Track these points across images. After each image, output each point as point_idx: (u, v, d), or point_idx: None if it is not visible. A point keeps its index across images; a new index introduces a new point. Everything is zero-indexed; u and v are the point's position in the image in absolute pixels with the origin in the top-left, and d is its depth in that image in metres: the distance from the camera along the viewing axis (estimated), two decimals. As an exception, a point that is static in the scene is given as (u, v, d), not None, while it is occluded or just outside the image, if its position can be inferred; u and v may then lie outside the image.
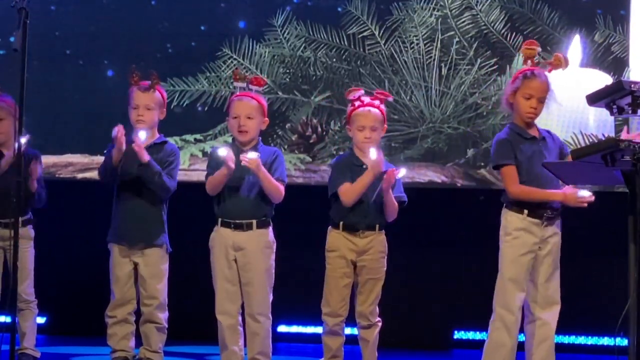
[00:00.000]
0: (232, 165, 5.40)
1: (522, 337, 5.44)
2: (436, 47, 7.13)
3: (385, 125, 5.65)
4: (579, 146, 6.76)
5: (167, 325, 5.77)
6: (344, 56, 7.21)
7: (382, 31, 7.17)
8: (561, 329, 7.13)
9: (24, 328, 5.97)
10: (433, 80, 7.13)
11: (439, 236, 7.19)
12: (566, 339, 7.20)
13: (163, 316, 5.75)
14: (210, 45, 7.28)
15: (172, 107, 7.13)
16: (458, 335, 7.33)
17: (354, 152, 5.62)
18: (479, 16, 7.11)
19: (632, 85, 4.18)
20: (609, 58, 6.98)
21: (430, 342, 7.31)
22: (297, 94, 7.24)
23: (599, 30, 6.99)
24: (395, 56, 7.15)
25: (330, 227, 5.60)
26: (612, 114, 4.36)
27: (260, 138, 5.68)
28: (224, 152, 5.43)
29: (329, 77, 7.17)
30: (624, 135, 4.43)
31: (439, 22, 7.14)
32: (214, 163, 5.57)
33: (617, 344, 4.64)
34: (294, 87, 7.24)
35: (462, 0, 7.13)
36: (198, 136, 7.26)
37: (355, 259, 5.53)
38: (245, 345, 5.59)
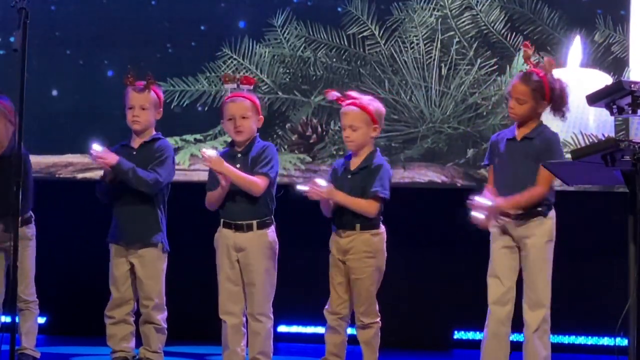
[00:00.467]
0: (210, 166, 5.44)
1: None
2: (436, 47, 7.13)
3: (376, 125, 5.55)
4: (579, 146, 6.76)
5: (166, 326, 5.76)
6: (344, 56, 7.21)
7: (382, 31, 7.17)
8: (561, 329, 7.17)
9: (24, 328, 5.97)
10: (433, 80, 7.13)
11: (439, 236, 7.19)
12: (566, 339, 7.20)
13: (161, 317, 5.74)
14: (210, 45, 7.28)
15: (172, 107, 7.13)
16: (458, 335, 7.33)
17: (346, 154, 5.67)
18: (479, 16, 7.11)
19: (632, 85, 4.18)
20: (609, 58, 6.98)
21: (430, 342, 7.31)
22: (297, 94, 7.24)
23: (599, 30, 6.99)
24: (395, 56, 7.16)
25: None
26: (612, 114, 4.36)
27: (258, 135, 5.67)
28: (205, 150, 5.45)
29: (329, 77, 7.18)
30: None
31: (439, 22, 7.14)
32: (212, 175, 5.57)
33: (617, 344, 4.64)
34: (294, 87, 7.24)
35: (462, 0, 7.13)
36: (198, 136, 7.26)
37: (342, 258, 5.53)
38: (247, 346, 5.59)
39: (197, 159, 7.21)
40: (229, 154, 5.62)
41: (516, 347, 5.43)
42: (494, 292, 5.37)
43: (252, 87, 5.65)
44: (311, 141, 7.22)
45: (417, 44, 7.15)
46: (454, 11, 7.13)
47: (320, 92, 7.19)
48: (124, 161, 5.61)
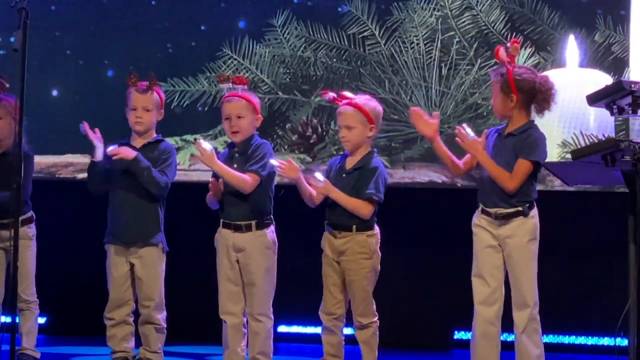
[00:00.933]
0: (201, 160, 5.46)
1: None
2: (436, 47, 7.13)
3: (373, 125, 5.54)
4: (579, 146, 6.76)
5: (165, 326, 5.77)
6: (344, 56, 7.21)
7: (382, 31, 7.17)
8: (561, 329, 7.16)
9: (24, 328, 5.96)
10: (433, 80, 7.13)
11: (439, 236, 7.19)
12: (566, 339, 7.20)
13: (161, 317, 5.74)
14: (210, 45, 7.28)
15: (172, 107, 7.13)
16: (458, 335, 7.32)
17: (341, 154, 5.66)
18: (479, 16, 7.11)
19: (632, 85, 4.18)
20: (609, 58, 6.98)
21: (430, 342, 7.31)
22: (297, 94, 7.24)
23: (599, 30, 6.99)
24: (396, 56, 7.16)
25: None
26: (612, 114, 4.36)
27: (258, 133, 5.66)
28: (202, 141, 5.48)
29: (329, 77, 7.17)
30: None
31: (439, 22, 7.14)
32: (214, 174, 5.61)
33: (617, 344, 4.64)
34: (294, 87, 7.24)
35: (462, 1, 7.13)
36: (198, 136, 7.25)
37: (337, 259, 5.53)
38: (247, 346, 5.59)
39: (197, 159, 7.20)
40: (228, 155, 5.62)
41: (509, 347, 5.42)
42: (480, 292, 5.36)
43: (245, 87, 5.64)
44: (311, 141, 7.22)
45: (417, 44, 7.15)
46: (454, 11, 7.13)
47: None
48: (142, 157, 5.63)
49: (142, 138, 5.80)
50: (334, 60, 7.21)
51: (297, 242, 6.40)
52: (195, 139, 5.56)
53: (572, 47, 6.97)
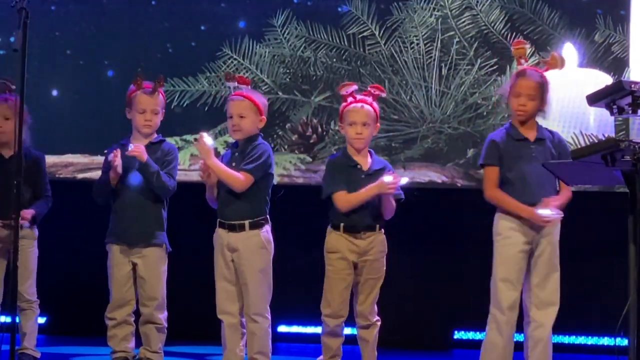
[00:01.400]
0: (199, 154, 5.52)
1: (522, 337, 5.44)
2: (436, 47, 7.13)
3: (378, 124, 5.62)
4: (579, 146, 6.76)
5: (166, 325, 5.77)
6: (344, 56, 7.21)
7: (382, 31, 7.17)
8: (561, 329, 7.15)
9: (25, 328, 5.97)
10: (433, 80, 7.13)
11: (439, 236, 7.19)
12: (566, 339, 7.20)
13: (162, 316, 5.75)
14: (210, 45, 7.28)
15: (172, 107, 7.13)
16: (458, 335, 7.33)
17: (347, 152, 5.61)
18: (479, 16, 7.11)
19: (632, 85, 4.18)
20: (609, 58, 6.98)
21: (430, 342, 7.31)
22: (297, 94, 7.24)
23: (599, 30, 6.99)
24: (396, 56, 7.16)
25: (329, 227, 5.59)
26: (612, 114, 4.36)
27: (262, 135, 5.67)
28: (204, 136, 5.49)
29: (329, 77, 7.17)
30: None
31: (439, 22, 7.14)
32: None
33: (617, 344, 4.64)
34: (294, 87, 7.24)
35: (462, 0, 7.13)
36: (198, 136, 7.25)
37: (356, 260, 5.52)
38: (245, 345, 5.59)
39: (197, 159, 7.20)
40: (231, 154, 5.62)
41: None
42: (508, 297, 5.32)
43: (248, 87, 5.65)
44: (311, 141, 7.22)
45: (417, 44, 7.15)
46: (454, 11, 7.13)
47: (321, 92, 7.19)
48: (151, 162, 5.63)
49: (145, 138, 5.80)
50: (334, 60, 7.21)
51: (297, 242, 6.40)
52: (199, 134, 5.54)
53: (570, 52, 6.97)
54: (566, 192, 5.40)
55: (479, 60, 7.07)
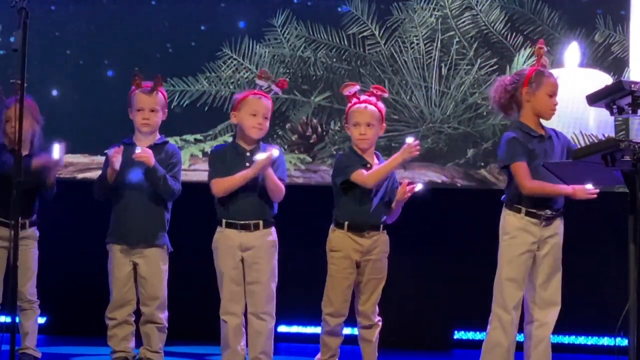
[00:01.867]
0: (259, 167, 5.42)
1: (522, 337, 5.44)
2: (436, 47, 7.13)
3: (384, 125, 5.64)
4: (579, 146, 6.76)
5: (167, 325, 5.77)
6: (344, 56, 7.21)
7: (382, 31, 7.17)
8: (561, 329, 7.14)
9: (25, 328, 5.97)
10: (433, 80, 7.13)
11: (439, 236, 7.19)
12: (566, 339, 7.20)
13: (163, 316, 5.75)
14: (210, 45, 7.28)
15: (172, 107, 7.13)
16: (458, 335, 7.33)
17: (354, 150, 5.61)
18: (479, 16, 7.11)
19: (632, 85, 4.18)
20: (609, 58, 6.98)
21: (430, 342, 7.31)
22: (297, 94, 7.24)
23: (599, 30, 6.99)
24: (395, 56, 7.16)
25: (333, 226, 5.59)
26: (612, 114, 4.36)
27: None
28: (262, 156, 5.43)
29: (329, 77, 7.18)
30: None
31: (439, 22, 7.14)
32: (218, 164, 5.55)
33: (617, 344, 4.64)
34: (294, 87, 7.24)
35: (462, 1, 7.14)
36: (198, 136, 7.26)
37: (359, 259, 5.53)
38: (246, 345, 5.59)
39: (197, 159, 7.21)
40: (237, 152, 5.58)
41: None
42: (513, 296, 5.30)
43: (280, 91, 5.66)
44: (311, 141, 7.22)
45: (417, 44, 7.15)
46: (454, 11, 7.13)
47: (321, 92, 7.20)
48: (158, 166, 5.63)
49: (146, 139, 5.80)
50: (334, 60, 7.21)
51: (297, 242, 6.40)
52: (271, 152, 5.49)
53: (572, 48, 6.97)
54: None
55: (479, 60, 7.07)
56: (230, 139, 6.31)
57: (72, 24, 7.43)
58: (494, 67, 7.07)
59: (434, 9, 7.14)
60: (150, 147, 5.74)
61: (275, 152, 5.43)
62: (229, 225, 5.54)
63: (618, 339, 4.63)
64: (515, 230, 5.33)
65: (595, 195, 5.25)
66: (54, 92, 7.42)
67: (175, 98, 7.22)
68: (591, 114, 6.84)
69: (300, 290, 6.51)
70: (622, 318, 4.28)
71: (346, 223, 5.52)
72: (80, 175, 7.33)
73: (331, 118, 7.17)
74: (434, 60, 7.13)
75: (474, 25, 7.12)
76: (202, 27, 7.34)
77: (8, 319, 4.92)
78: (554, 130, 5.49)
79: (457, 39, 7.12)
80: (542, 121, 5.45)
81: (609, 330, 5.63)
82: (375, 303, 5.56)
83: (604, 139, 6.60)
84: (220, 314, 5.54)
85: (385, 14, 7.17)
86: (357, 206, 5.51)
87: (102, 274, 5.87)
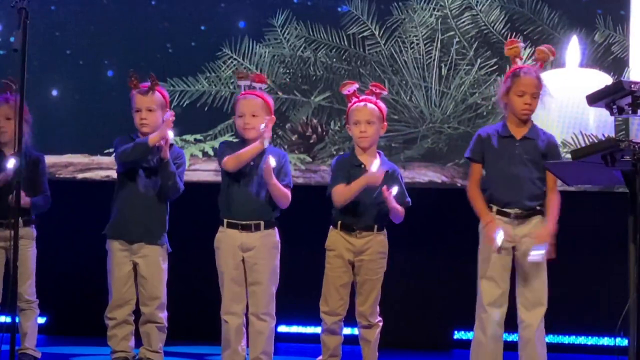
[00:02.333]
0: (264, 172, 5.42)
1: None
2: (436, 47, 7.13)
3: (385, 124, 5.64)
4: (579, 146, 6.76)
5: (167, 325, 5.77)
6: (344, 56, 7.21)
7: (382, 31, 7.17)
8: (561, 329, 7.16)
9: (25, 328, 5.96)
10: (433, 80, 7.13)
11: (439, 236, 7.19)
12: (566, 339, 7.20)
13: (163, 316, 5.75)
14: (210, 45, 7.29)
15: (172, 107, 7.13)
16: (458, 335, 7.33)
17: (354, 152, 5.62)
18: (479, 16, 7.11)
19: (632, 85, 4.18)
20: (609, 58, 6.98)
21: (430, 342, 7.31)
22: (297, 94, 7.24)
23: (599, 30, 6.99)
24: (395, 56, 7.16)
25: (331, 226, 5.61)
26: (612, 114, 4.36)
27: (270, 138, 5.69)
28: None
29: (329, 77, 7.18)
30: None
31: (439, 22, 7.14)
32: (229, 150, 5.56)
33: (617, 344, 4.64)
34: (294, 87, 7.24)
35: (462, 1, 7.14)
36: (198, 136, 7.26)
37: (352, 259, 5.53)
38: (247, 345, 5.59)
39: (197, 159, 7.21)
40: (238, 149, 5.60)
41: (507, 348, 5.43)
42: (490, 294, 5.35)
43: (264, 86, 5.64)
44: (311, 141, 7.22)
45: (417, 44, 7.15)
46: (454, 11, 7.13)
47: (320, 92, 7.20)
48: (171, 162, 5.63)
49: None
50: (334, 60, 7.21)
51: (297, 242, 6.40)
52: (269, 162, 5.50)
53: (574, 48, 6.97)
54: (554, 198, 5.35)
55: (479, 60, 7.07)
56: (229, 139, 6.33)
57: (72, 24, 7.43)
58: (494, 67, 7.07)
59: (434, 9, 7.14)
60: (155, 147, 5.75)
61: (271, 161, 5.42)
62: (230, 225, 5.55)
63: (618, 339, 4.63)
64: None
65: (496, 248, 5.27)
66: (54, 92, 7.42)
67: (175, 98, 7.22)
68: (591, 114, 6.84)
69: (300, 290, 6.51)
70: (622, 318, 4.28)
71: (339, 222, 5.55)
72: (80, 175, 7.33)
73: (331, 118, 7.17)
74: (434, 60, 7.13)
75: (474, 25, 7.12)
76: (202, 27, 7.34)
77: (8, 319, 4.92)
78: (543, 132, 5.45)
79: (457, 39, 7.12)
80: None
81: (609, 330, 5.63)
82: (374, 304, 5.55)
83: (604, 139, 6.60)
84: (221, 314, 5.54)
85: (385, 14, 7.17)
86: (349, 206, 5.53)
87: (102, 274, 5.86)
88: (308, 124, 7.22)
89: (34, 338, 6.02)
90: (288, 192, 5.53)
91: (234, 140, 6.15)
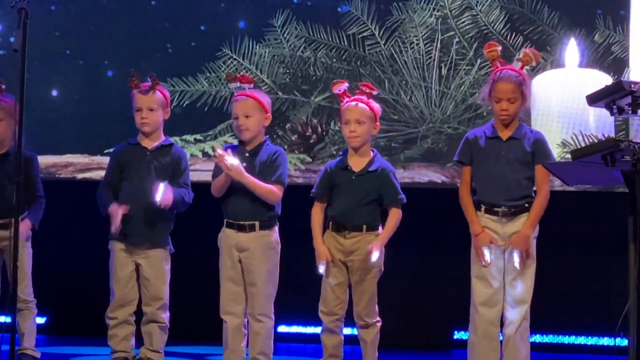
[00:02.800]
0: (230, 175, 5.42)
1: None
2: (436, 47, 7.13)
3: (378, 124, 5.61)
4: (579, 146, 6.76)
5: (169, 325, 5.77)
6: (344, 56, 7.21)
7: (382, 31, 7.17)
8: (561, 329, 7.16)
9: (23, 328, 5.96)
10: (433, 80, 7.13)
11: (439, 236, 7.19)
12: (566, 339, 7.20)
13: (165, 316, 5.75)
14: (210, 45, 7.28)
15: (172, 107, 7.13)
16: (458, 335, 7.32)
17: (345, 153, 5.64)
18: (479, 16, 7.11)
19: (632, 86, 4.18)
20: (609, 58, 6.98)
21: (430, 342, 7.31)
22: (297, 94, 7.24)
23: (599, 31, 6.99)
24: (395, 56, 7.16)
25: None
26: (612, 114, 4.36)
27: (267, 137, 5.68)
28: (226, 156, 5.43)
29: (329, 77, 7.17)
30: None
31: (439, 23, 7.14)
32: (217, 169, 5.58)
33: (617, 344, 4.64)
34: (294, 87, 7.24)
35: (462, 1, 7.13)
36: (198, 136, 7.26)
37: (344, 259, 5.53)
38: (247, 346, 5.59)
39: (197, 159, 7.21)
40: (238, 151, 5.61)
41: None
42: (481, 293, 5.36)
43: (251, 85, 5.66)
44: (311, 141, 7.22)
45: (417, 44, 7.15)
46: (454, 11, 7.13)
47: (321, 92, 7.19)
48: (176, 198, 5.62)
49: (150, 139, 5.79)
50: (334, 60, 7.21)
51: (297, 242, 6.40)
52: (214, 151, 5.51)
53: (572, 50, 6.97)
54: (537, 200, 5.34)
55: (478, 60, 7.07)
56: (230, 139, 6.33)
57: (72, 24, 7.43)
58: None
59: (434, 9, 7.14)
60: (156, 148, 5.75)
61: (233, 160, 5.42)
62: (228, 225, 5.57)
63: (618, 339, 4.63)
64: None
65: (487, 263, 5.32)
66: (54, 92, 7.42)
67: (175, 98, 7.21)
68: (591, 114, 6.83)
69: (300, 290, 6.51)
70: (622, 318, 4.28)
71: (330, 223, 5.56)
72: (80, 176, 7.33)
73: (331, 118, 7.17)
74: (434, 60, 7.13)
75: (474, 25, 7.12)
76: (202, 27, 7.34)
77: (8, 319, 4.92)
78: (531, 130, 5.45)
79: (457, 39, 7.12)
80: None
81: (609, 330, 5.63)
82: (369, 304, 5.52)
83: (604, 139, 6.60)
84: (220, 314, 5.55)
85: (385, 14, 7.17)
86: (338, 206, 5.54)
87: (102, 274, 5.87)
88: (308, 124, 7.22)
89: (33, 338, 6.02)
90: (273, 188, 5.51)
91: (234, 141, 6.15)
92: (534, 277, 5.33)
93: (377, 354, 5.59)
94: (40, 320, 6.66)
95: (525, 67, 5.43)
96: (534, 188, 5.39)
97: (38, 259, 6.06)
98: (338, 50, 7.21)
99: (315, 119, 7.21)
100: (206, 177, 5.67)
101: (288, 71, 7.25)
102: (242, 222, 5.53)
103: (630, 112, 4.24)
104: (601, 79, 6.81)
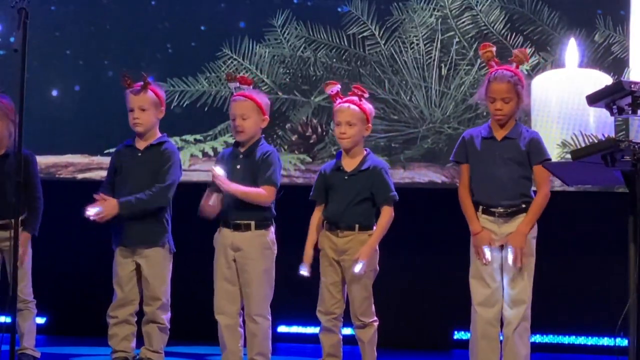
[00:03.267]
0: (217, 183, 5.48)
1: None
2: (436, 47, 7.13)
3: (370, 125, 5.60)
4: (578, 146, 6.76)
5: (169, 326, 5.77)
6: (344, 56, 7.21)
7: (382, 31, 7.17)
8: (561, 329, 7.16)
9: (23, 328, 5.96)
10: (433, 80, 7.13)
11: (439, 236, 7.19)
12: (566, 339, 7.20)
13: (166, 316, 5.75)
14: (210, 45, 7.28)
15: (172, 107, 7.13)
16: (458, 335, 7.32)
17: (340, 153, 5.65)
18: (479, 16, 7.11)
19: (632, 86, 4.18)
20: (609, 58, 6.98)
21: (430, 342, 7.31)
22: (297, 94, 7.24)
23: (599, 31, 6.99)
24: (395, 56, 7.16)
25: None
26: (612, 114, 4.36)
27: (263, 136, 5.68)
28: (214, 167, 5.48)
29: (329, 77, 7.16)
30: None
31: (439, 23, 7.14)
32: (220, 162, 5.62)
33: (617, 344, 4.64)
34: (294, 87, 7.24)
35: (462, 1, 7.13)
36: (198, 136, 7.26)
37: (337, 258, 5.54)
38: (244, 346, 5.59)
39: (197, 159, 7.21)
40: (233, 153, 5.62)
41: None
42: (480, 293, 5.37)
43: (250, 86, 5.66)
44: (311, 141, 7.22)
45: (417, 44, 7.15)
46: (454, 11, 7.13)
47: (321, 92, 7.19)
48: (125, 205, 5.60)
49: (144, 140, 5.79)
50: (334, 60, 7.21)
51: (297, 242, 6.40)
52: (212, 167, 5.55)
53: (572, 50, 6.97)
54: (536, 199, 5.34)
55: (478, 60, 7.07)
56: (230, 139, 6.32)
57: (72, 24, 7.43)
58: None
59: (434, 9, 7.14)
60: (146, 148, 5.74)
61: (218, 170, 5.46)
62: (224, 225, 5.58)
63: (618, 339, 4.63)
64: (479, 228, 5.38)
65: (487, 262, 5.31)
66: (54, 92, 7.42)
67: (175, 98, 7.22)
68: (591, 114, 6.83)
69: (300, 290, 6.50)
70: (622, 318, 4.28)
71: (325, 222, 5.58)
72: (80, 176, 7.33)
73: (331, 118, 7.16)
74: (434, 60, 7.13)
75: (474, 26, 7.12)
76: (202, 27, 7.34)
77: (8, 319, 4.92)
78: (526, 129, 5.46)
79: (457, 39, 7.12)
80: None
81: (609, 330, 5.63)
82: (363, 304, 5.51)
83: (604, 139, 6.60)
84: (214, 314, 5.56)
85: (385, 14, 7.17)
86: (331, 206, 5.56)
87: (102, 274, 5.87)
88: (308, 124, 7.22)
89: (33, 338, 6.02)
90: (260, 191, 5.50)
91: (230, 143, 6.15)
92: (532, 278, 5.33)
93: (376, 354, 5.59)
94: (40, 320, 6.66)
95: (521, 66, 5.43)
96: (533, 188, 5.39)
97: (38, 259, 6.06)
98: (338, 50, 7.21)
99: (315, 119, 7.21)
100: (206, 177, 5.67)
101: (288, 71, 7.25)
102: (237, 222, 5.53)
103: (630, 112, 4.24)
104: (601, 79, 6.81)
